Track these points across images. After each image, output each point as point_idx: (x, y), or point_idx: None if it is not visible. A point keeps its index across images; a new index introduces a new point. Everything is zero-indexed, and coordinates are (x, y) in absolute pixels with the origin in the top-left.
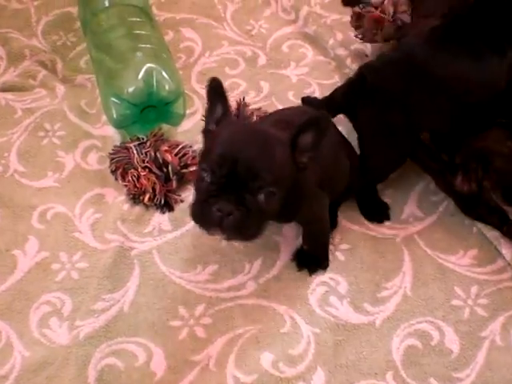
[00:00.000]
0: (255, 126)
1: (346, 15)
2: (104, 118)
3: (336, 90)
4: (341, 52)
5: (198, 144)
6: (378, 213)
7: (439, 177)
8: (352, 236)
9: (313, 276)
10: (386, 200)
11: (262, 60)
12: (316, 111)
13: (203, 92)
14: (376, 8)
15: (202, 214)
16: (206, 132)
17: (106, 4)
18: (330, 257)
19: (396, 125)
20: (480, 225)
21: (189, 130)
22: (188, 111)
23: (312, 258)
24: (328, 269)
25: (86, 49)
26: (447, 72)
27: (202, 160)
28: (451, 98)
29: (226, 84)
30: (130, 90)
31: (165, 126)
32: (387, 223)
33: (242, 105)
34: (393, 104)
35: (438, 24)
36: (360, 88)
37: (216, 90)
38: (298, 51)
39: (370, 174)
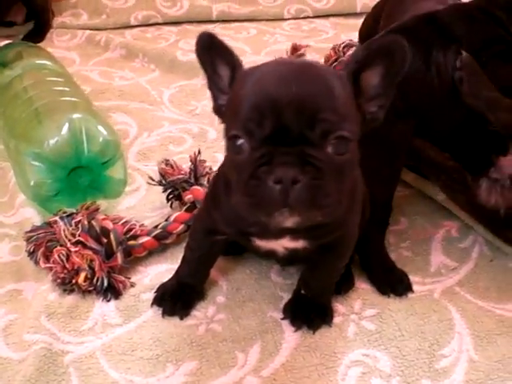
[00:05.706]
0: (293, 60)
1: None
2: (19, 200)
3: None
4: None
5: (148, 220)
6: (394, 282)
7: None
8: (376, 298)
9: (338, 356)
10: (406, 253)
11: (212, 134)
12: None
13: (146, 169)
14: None
15: (253, 200)
16: (218, 109)
17: (20, 71)
18: (355, 328)
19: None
20: None
21: (133, 206)
22: (129, 188)
23: (313, 308)
24: (356, 343)
25: None
26: None
27: (228, 129)
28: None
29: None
30: (52, 142)
31: (100, 203)
32: (416, 278)
33: (197, 161)
34: None
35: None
36: None
37: (209, 47)
38: None
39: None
